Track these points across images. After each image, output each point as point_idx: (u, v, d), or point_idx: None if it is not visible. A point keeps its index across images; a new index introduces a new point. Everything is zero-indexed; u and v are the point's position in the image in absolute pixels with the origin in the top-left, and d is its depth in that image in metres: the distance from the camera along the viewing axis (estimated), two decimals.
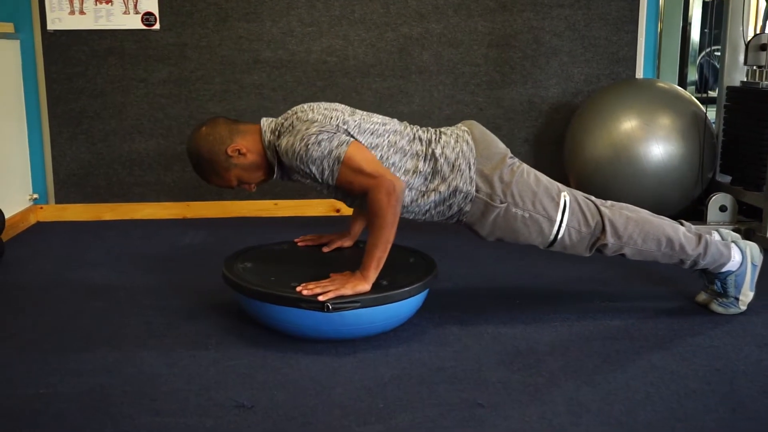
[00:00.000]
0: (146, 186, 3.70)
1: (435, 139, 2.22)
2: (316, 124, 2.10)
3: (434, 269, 2.26)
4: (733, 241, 2.33)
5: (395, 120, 2.27)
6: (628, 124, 3.22)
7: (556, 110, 3.74)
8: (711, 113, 3.41)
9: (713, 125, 3.41)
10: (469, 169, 2.18)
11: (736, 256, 2.30)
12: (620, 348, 2.10)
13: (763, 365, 2.00)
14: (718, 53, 3.73)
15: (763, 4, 4.47)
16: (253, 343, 2.14)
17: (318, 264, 2.29)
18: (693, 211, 3.37)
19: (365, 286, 2.05)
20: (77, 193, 3.69)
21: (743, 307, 2.34)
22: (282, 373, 1.95)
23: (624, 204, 2.35)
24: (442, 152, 2.18)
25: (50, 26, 3.52)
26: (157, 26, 3.56)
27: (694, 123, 3.24)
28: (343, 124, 2.13)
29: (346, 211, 3.67)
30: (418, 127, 2.26)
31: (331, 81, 3.66)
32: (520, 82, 3.71)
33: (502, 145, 2.28)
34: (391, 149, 2.16)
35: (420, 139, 2.21)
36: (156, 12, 3.55)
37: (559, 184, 2.28)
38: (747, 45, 3.20)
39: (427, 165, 2.17)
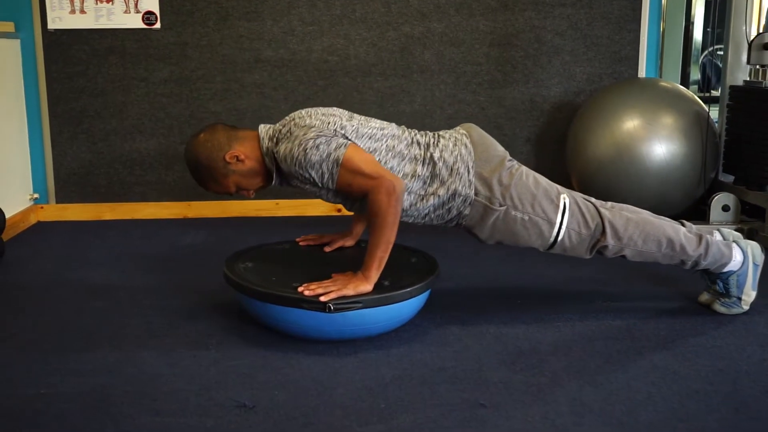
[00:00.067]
0: (147, 185, 3.70)
1: (433, 142, 2.21)
2: (313, 129, 2.10)
3: (436, 269, 2.25)
4: (734, 241, 2.33)
5: (393, 124, 2.27)
6: (631, 123, 3.21)
7: (558, 109, 3.74)
8: (714, 112, 3.41)
9: (716, 124, 3.40)
10: (468, 172, 2.17)
11: (737, 256, 2.30)
12: (622, 348, 2.10)
13: (767, 365, 1.99)
14: (721, 52, 3.72)
15: (766, 3, 4.46)
16: (254, 343, 2.13)
17: (319, 264, 2.29)
18: (696, 211, 3.36)
19: (367, 287, 2.05)
20: (78, 193, 3.68)
21: (746, 307, 2.34)
22: (283, 373, 1.95)
23: (624, 205, 2.34)
24: (441, 156, 2.17)
25: (51, 25, 3.51)
26: (157, 25, 3.56)
27: (697, 122, 3.24)
28: (341, 128, 2.13)
29: (348, 211, 3.67)
30: (417, 131, 2.26)
31: (332, 80, 3.65)
32: (522, 81, 3.71)
33: (500, 148, 2.27)
34: (389, 153, 2.16)
35: (418, 143, 2.20)
36: (157, 11, 3.54)
37: (559, 186, 2.28)
38: (750, 44, 3.19)
39: (425, 169, 2.17)
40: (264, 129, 2.22)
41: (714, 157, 3.31)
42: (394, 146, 2.17)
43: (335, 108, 2.26)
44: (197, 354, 2.06)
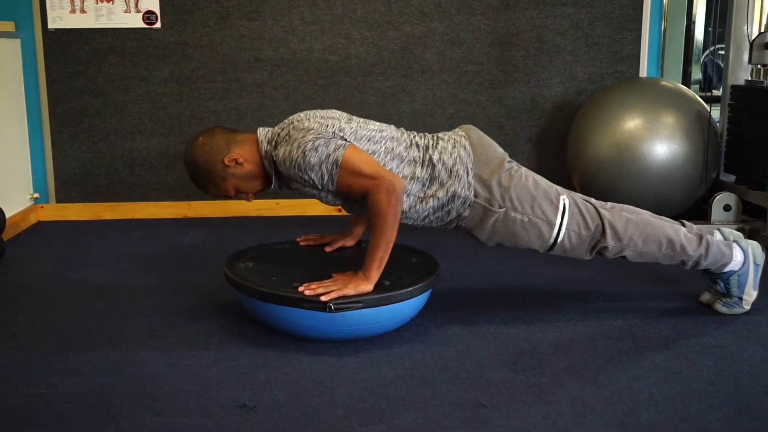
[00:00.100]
0: (147, 185, 3.69)
1: (432, 144, 2.21)
2: (312, 131, 2.10)
3: (437, 269, 2.25)
4: (734, 241, 2.33)
5: (392, 126, 2.27)
6: (632, 123, 3.21)
7: (559, 109, 3.73)
8: (715, 112, 3.40)
9: (717, 124, 3.40)
10: (467, 174, 2.17)
11: (738, 256, 2.29)
12: (624, 348, 2.10)
13: None
14: (723, 52, 3.72)
15: (767, 2, 4.45)
16: (254, 343, 2.13)
17: (320, 264, 2.28)
18: (697, 211, 3.35)
19: (368, 286, 2.05)
20: (78, 193, 3.68)
21: (747, 307, 2.34)
22: (284, 373, 1.94)
23: (624, 205, 2.34)
24: (440, 158, 2.17)
25: (51, 25, 3.51)
26: (158, 25, 3.55)
27: (698, 122, 3.23)
28: (339, 131, 2.13)
29: (348, 212, 3.66)
30: (415, 133, 2.26)
31: (333, 80, 3.65)
32: (523, 80, 3.70)
33: (499, 150, 2.27)
34: (388, 156, 2.16)
35: (417, 146, 2.20)
36: (157, 10, 3.54)
37: (558, 187, 2.27)
38: (751, 43, 3.18)
39: (424, 171, 2.16)
40: (263, 132, 2.22)
41: (715, 157, 3.31)
42: (392, 148, 2.17)
43: (334, 110, 2.26)
44: (198, 354, 2.06)
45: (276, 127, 2.23)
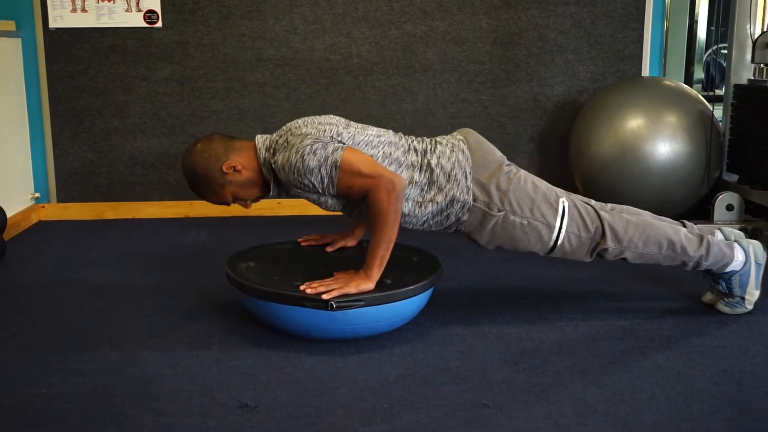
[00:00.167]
0: (148, 185, 3.69)
1: (430, 149, 2.20)
2: (309, 137, 2.10)
3: (438, 268, 2.25)
4: (736, 240, 2.32)
5: (390, 131, 2.27)
6: (634, 122, 3.20)
7: (561, 108, 3.73)
8: (718, 111, 3.39)
9: (720, 123, 3.39)
10: (466, 178, 2.17)
11: (739, 256, 2.29)
12: (626, 348, 2.09)
13: None
14: (725, 51, 3.71)
15: None
16: (256, 342, 2.13)
17: (321, 263, 2.28)
18: (699, 210, 3.35)
19: (369, 285, 2.04)
20: (79, 192, 3.68)
21: (750, 307, 2.33)
22: (285, 372, 1.94)
23: (624, 207, 2.34)
24: (438, 162, 2.17)
25: (52, 24, 3.51)
26: (159, 24, 3.55)
27: (701, 121, 3.22)
28: (337, 135, 2.13)
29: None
30: (414, 138, 2.26)
31: (334, 79, 3.64)
32: (525, 80, 3.70)
33: (498, 153, 2.27)
34: (386, 160, 2.15)
35: (415, 150, 2.20)
36: (158, 10, 3.53)
37: (558, 190, 2.27)
38: (754, 43, 3.17)
39: (423, 176, 2.16)
40: (261, 139, 2.22)
41: (718, 156, 3.30)
42: (390, 153, 2.17)
43: (332, 116, 2.26)
44: (199, 354, 2.06)
45: (274, 134, 2.23)
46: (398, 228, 2.08)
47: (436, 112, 3.70)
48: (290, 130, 2.18)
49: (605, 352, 2.06)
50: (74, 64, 3.56)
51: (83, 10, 3.50)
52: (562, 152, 3.71)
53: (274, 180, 2.20)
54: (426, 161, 2.17)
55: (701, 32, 4.45)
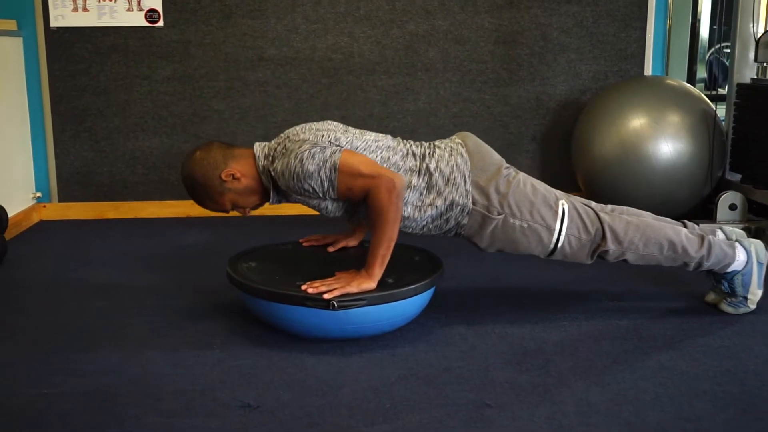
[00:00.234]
0: (150, 184, 3.69)
1: (429, 153, 2.20)
2: (307, 142, 2.11)
3: (440, 267, 2.24)
4: (737, 240, 2.32)
5: (389, 136, 2.26)
6: (637, 121, 3.20)
7: (563, 108, 3.72)
8: (720, 110, 3.39)
9: (723, 123, 3.39)
10: (465, 182, 2.16)
11: (740, 256, 2.28)
12: (629, 348, 2.08)
13: None
14: (728, 50, 3.70)
15: None
16: (258, 342, 2.12)
17: (323, 263, 2.28)
18: (702, 210, 3.34)
19: (371, 284, 2.04)
20: (80, 192, 3.68)
21: (753, 306, 2.33)
22: (288, 372, 1.94)
23: (625, 208, 2.33)
24: (437, 166, 2.16)
25: (53, 23, 3.50)
26: (160, 23, 3.55)
27: (704, 120, 3.22)
28: (335, 140, 2.13)
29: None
30: (412, 142, 2.26)
31: (336, 78, 3.64)
32: (528, 79, 3.69)
33: (497, 156, 2.27)
34: (385, 165, 2.15)
35: (413, 155, 2.20)
36: (160, 9, 3.53)
37: (558, 192, 2.27)
38: (757, 42, 3.17)
39: (421, 180, 2.16)
40: (259, 147, 2.22)
41: (721, 156, 3.30)
42: (389, 158, 2.17)
43: (330, 122, 2.26)
44: (201, 354, 2.05)
45: (272, 142, 2.23)
46: (399, 226, 2.07)
47: (438, 111, 3.70)
48: (288, 137, 2.18)
49: (608, 352, 2.06)
50: (75, 64, 3.56)
51: (84, 9, 3.49)
52: (564, 152, 3.71)
53: (273, 187, 2.20)
54: (425, 165, 2.17)
55: (704, 31, 4.45)
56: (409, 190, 2.15)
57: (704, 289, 2.45)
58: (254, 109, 3.64)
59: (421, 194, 2.17)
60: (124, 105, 3.61)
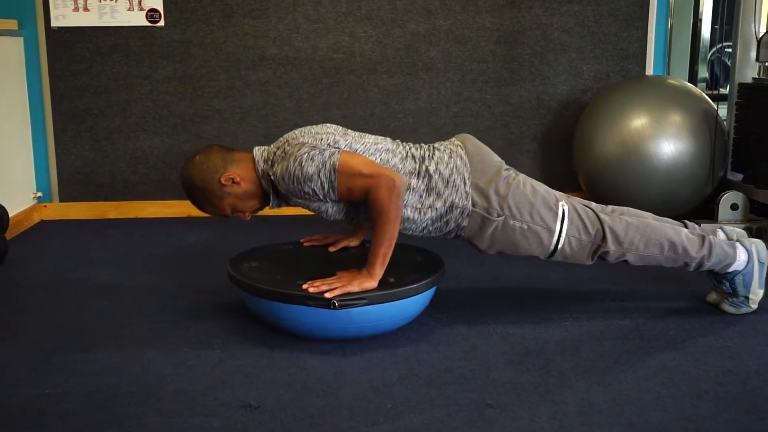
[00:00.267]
0: (150, 184, 3.69)
1: (428, 155, 2.20)
2: (306, 145, 2.11)
3: (441, 267, 2.24)
4: (738, 240, 2.31)
5: (388, 139, 2.26)
6: (638, 121, 3.19)
7: (565, 107, 3.72)
8: (722, 110, 3.38)
9: (724, 122, 3.38)
10: (464, 183, 2.16)
11: (741, 256, 2.28)
12: (631, 348, 2.08)
13: None
14: (730, 50, 3.70)
15: None
16: (259, 342, 2.12)
17: (324, 263, 2.28)
18: (704, 210, 3.34)
19: (372, 283, 2.04)
20: (81, 192, 3.67)
21: (754, 306, 2.33)
22: (289, 372, 1.93)
23: (625, 209, 2.33)
24: (436, 168, 2.16)
25: (54, 23, 3.50)
26: (161, 23, 3.54)
27: (705, 120, 3.21)
28: (334, 143, 2.13)
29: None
30: (411, 144, 2.26)
31: (337, 78, 3.64)
32: (529, 79, 3.69)
33: (496, 158, 2.27)
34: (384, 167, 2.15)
35: (413, 157, 2.20)
36: (161, 9, 3.53)
37: (558, 193, 2.26)
38: (759, 41, 3.16)
39: (421, 182, 2.16)
40: (259, 151, 2.22)
41: (722, 156, 3.29)
42: (388, 160, 2.17)
43: (329, 125, 2.26)
44: (202, 354, 2.05)
45: (272, 146, 2.23)
46: (400, 225, 2.07)
47: (439, 111, 3.70)
48: (287, 140, 2.18)
49: (610, 352, 2.05)
50: (76, 63, 3.56)
51: (85, 8, 3.49)
52: (565, 151, 3.70)
53: (273, 191, 2.20)
54: (424, 168, 2.17)
55: (705, 31, 4.44)
56: (408, 193, 2.15)
57: (705, 289, 2.45)
58: (255, 108, 3.64)
59: (420, 196, 2.17)
60: (124, 105, 3.61)
